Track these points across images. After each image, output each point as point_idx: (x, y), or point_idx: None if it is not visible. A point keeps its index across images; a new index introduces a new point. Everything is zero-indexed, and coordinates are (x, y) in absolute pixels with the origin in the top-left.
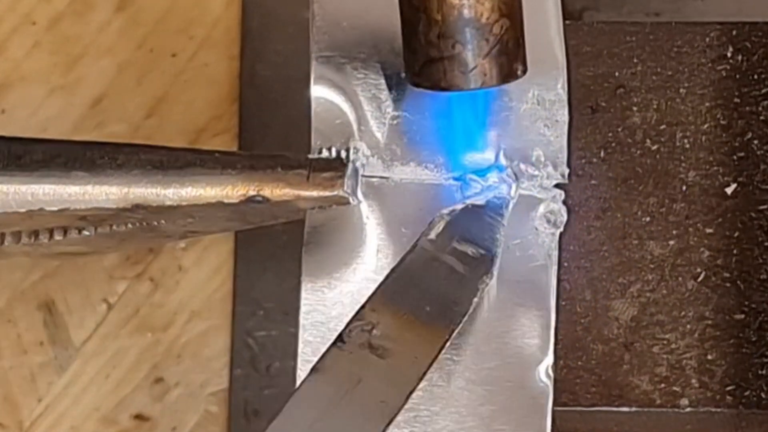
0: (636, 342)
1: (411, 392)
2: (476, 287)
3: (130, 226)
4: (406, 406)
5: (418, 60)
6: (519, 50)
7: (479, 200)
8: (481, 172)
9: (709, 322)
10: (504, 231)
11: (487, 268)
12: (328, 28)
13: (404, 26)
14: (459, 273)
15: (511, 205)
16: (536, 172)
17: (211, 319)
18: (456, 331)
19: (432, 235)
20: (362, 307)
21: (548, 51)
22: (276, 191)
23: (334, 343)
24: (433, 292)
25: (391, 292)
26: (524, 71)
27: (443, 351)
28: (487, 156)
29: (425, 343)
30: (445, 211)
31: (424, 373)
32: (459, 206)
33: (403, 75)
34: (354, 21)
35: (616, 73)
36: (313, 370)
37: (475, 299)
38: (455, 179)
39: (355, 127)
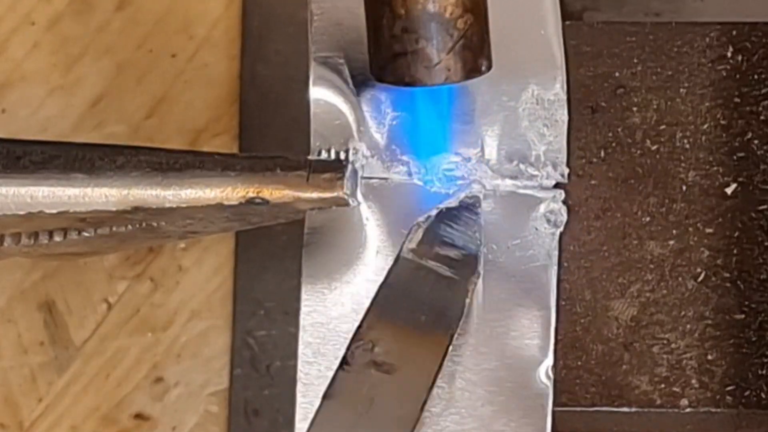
0: (636, 342)
1: (424, 403)
2: (466, 288)
3: (129, 227)
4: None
5: (383, 55)
6: (483, 46)
7: (452, 202)
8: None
9: (709, 322)
10: (482, 228)
11: (473, 268)
12: (326, 28)
13: (369, 20)
14: (446, 277)
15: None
16: (536, 172)
17: (211, 318)
18: (455, 335)
19: (412, 245)
20: (359, 327)
21: (547, 50)
22: (275, 193)
23: (339, 367)
24: (424, 300)
25: (384, 308)
26: (489, 67)
27: (447, 356)
28: (487, 155)
29: (428, 353)
30: (421, 219)
31: (434, 382)
32: (433, 212)
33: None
34: (352, 21)
35: (616, 73)
36: (325, 396)
37: (467, 300)
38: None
39: (354, 128)
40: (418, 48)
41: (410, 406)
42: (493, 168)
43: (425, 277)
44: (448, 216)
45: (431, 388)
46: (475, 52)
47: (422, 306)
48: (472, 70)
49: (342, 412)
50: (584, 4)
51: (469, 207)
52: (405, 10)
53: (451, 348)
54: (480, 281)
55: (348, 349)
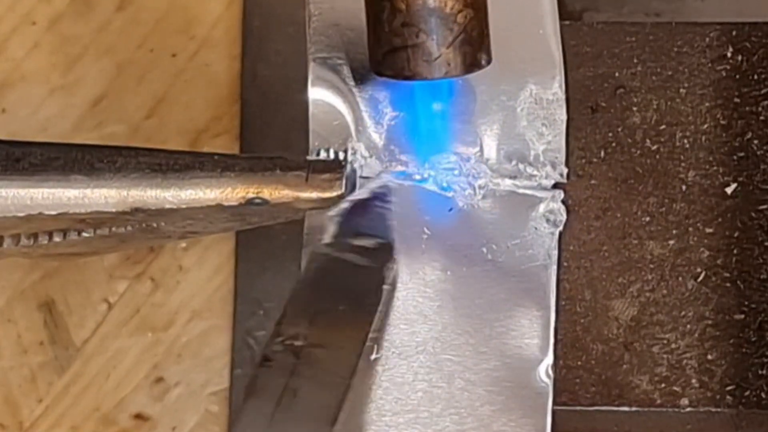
0: (636, 342)
1: (347, 389)
2: (382, 275)
3: (129, 228)
4: (405, 408)
5: (382, 48)
6: (483, 40)
7: (363, 193)
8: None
9: (709, 322)
10: (394, 217)
11: (389, 255)
12: (324, 29)
13: (369, 14)
14: (362, 266)
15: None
16: (535, 172)
17: (211, 318)
18: (375, 320)
19: (326, 239)
20: (278, 323)
21: (545, 50)
22: (275, 193)
23: (260, 365)
24: (342, 290)
25: (303, 303)
26: (488, 61)
27: (366, 341)
28: (486, 155)
29: (347, 340)
30: (332, 213)
31: (356, 367)
32: (344, 205)
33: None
34: (350, 22)
35: (616, 73)
36: (247, 394)
37: (385, 286)
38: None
39: (352, 128)
40: (418, 42)
41: (334, 394)
42: (492, 168)
43: (341, 268)
44: (360, 207)
45: (353, 374)
46: (474, 47)
47: (339, 296)
48: (471, 65)
49: (265, 407)
50: (584, 4)
51: (380, 197)
52: (405, 5)
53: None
54: (480, 281)
55: (268, 345)
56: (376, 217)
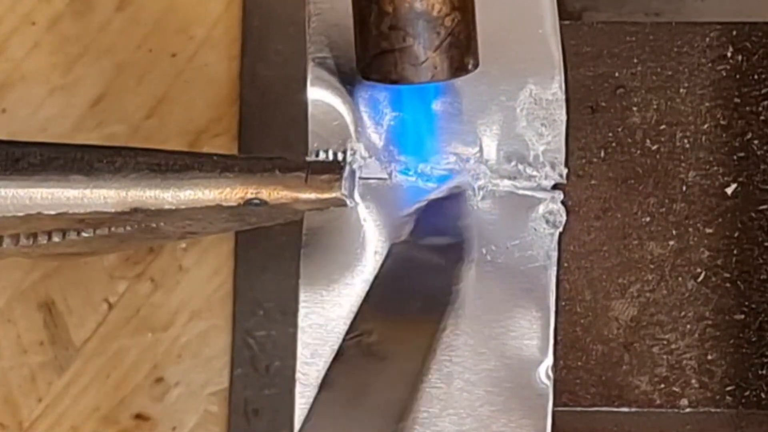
0: (636, 342)
1: (417, 386)
2: (457, 274)
3: (128, 228)
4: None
5: (369, 52)
6: (470, 44)
7: (441, 193)
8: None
9: (709, 322)
10: (471, 217)
11: (464, 254)
12: (324, 29)
13: (356, 17)
14: (437, 264)
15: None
16: (534, 173)
17: (211, 319)
18: (447, 319)
19: (403, 237)
20: (354, 320)
21: (545, 50)
22: (274, 194)
23: (334, 359)
24: (417, 289)
25: (377, 300)
26: (475, 65)
27: (439, 340)
28: (486, 155)
29: (420, 338)
30: (410, 211)
31: (426, 366)
32: (422, 204)
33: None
34: (350, 22)
35: (616, 73)
36: (321, 387)
37: (457, 286)
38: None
39: (352, 128)
40: (405, 46)
41: (404, 389)
42: (492, 168)
43: (416, 267)
44: (436, 207)
45: (422, 371)
46: (462, 50)
47: (413, 295)
48: (458, 69)
49: (338, 400)
50: (584, 4)
51: (456, 197)
52: (392, 8)
53: (445, 337)
54: (479, 281)
55: (343, 341)
56: (451, 216)
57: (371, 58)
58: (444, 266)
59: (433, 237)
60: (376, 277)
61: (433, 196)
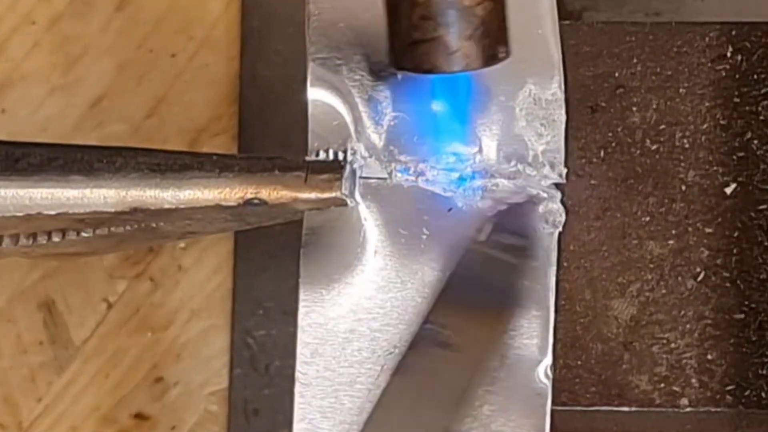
0: (635, 341)
1: (479, 375)
2: (523, 271)
3: (128, 228)
4: None
5: (401, 42)
6: (502, 33)
7: (521, 198)
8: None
9: (709, 322)
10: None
11: (530, 253)
12: (323, 29)
13: (388, 8)
14: (510, 263)
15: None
16: (534, 172)
17: (210, 318)
18: (515, 318)
19: (482, 237)
20: (430, 311)
21: (544, 49)
22: (273, 194)
23: (410, 347)
24: (490, 285)
25: (453, 294)
26: (507, 54)
27: (507, 333)
28: (485, 155)
29: (490, 330)
30: (491, 214)
31: (490, 356)
32: (503, 207)
33: (400, 76)
34: (350, 21)
35: (616, 73)
36: (395, 372)
37: (523, 282)
38: (454, 180)
39: (352, 128)
40: (437, 35)
41: (467, 379)
42: (491, 168)
43: (492, 265)
44: (514, 210)
45: (486, 360)
46: (493, 39)
47: (488, 290)
48: (491, 57)
49: (410, 385)
50: (584, 4)
51: (533, 201)
52: None
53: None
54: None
55: (419, 332)
56: (526, 219)
57: (403, 48)
58: (517, 264)
59: (510, 237)
60: (453, 273)
61: (513, 200)
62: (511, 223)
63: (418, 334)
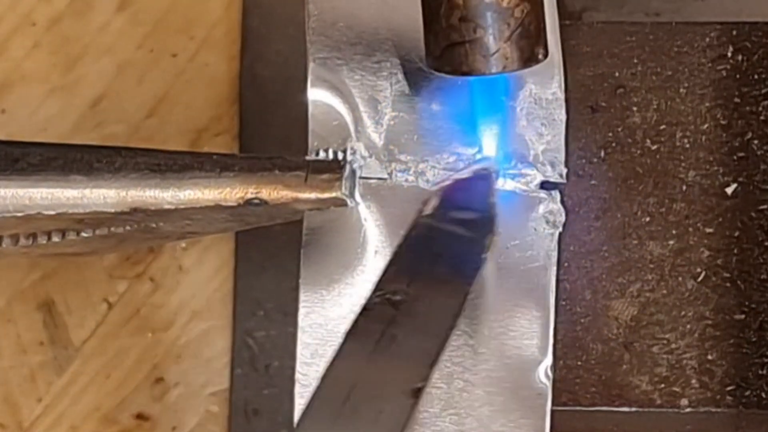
0: (636, 342)
1: (446, 339)
2: (483, 244)
3: (128, 228)
4: None
5: (439, 44)
6: (540, 34)
7: (464, 173)
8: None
9: (709, 322)
10: (497, 199)
11: (489, 227)
12: (323, 29)
13: (425, 10)
14: (463, 236)
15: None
16: (534, 172)
17: (211, 319)
18: (475, 282)
19: (428, 211)
20: (378, 281)
21: None
22: (274, 193)
23: (359, 314)
24: (442, 255)
25: (402, 264)
26: (545, 55)
27: (465, 303)
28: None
29: (446, 297)
30: (435, 188)
31: (453, 325)
32: (447, 182)
33: (400, 77)
34: (350, 21)
35: (616, 73)
36: (347, 336)
37: (484, 255)
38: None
39: (352, 128)
40: (476, 37)
41: (432, 340)
42: (491, 168)
43: (442, 237)
44: (462, 184)
45: (452, 328)
46: (532, 41)
47: (439, 260)
48: (529, 59)
49: (362, 348)
50: (584, 4)
51: (485, 177)
52: (463, 0)
53: (468, 300)
54: (479, 281)
55: (369, 299)
56: (476, 193)
57: (441, 50)
58: (471, 237)
59: (460, 212)
60: (400, 245)
61: (457, 175)
62: (460, 198)
63: (367, 303)
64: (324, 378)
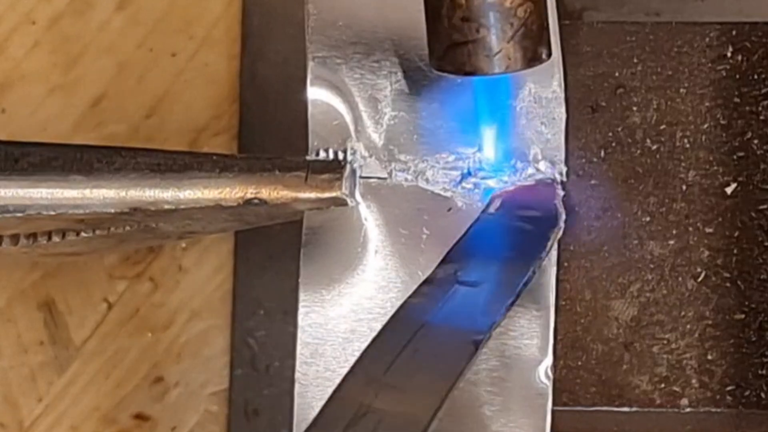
0: (636, 342)
1: (500, 320)
2: (547, 236)
3: (128, 228)
4: None
5: (442, 44)
6: (543, 34)
7: (529, 181)
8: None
9: (709, 322)
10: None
11: (554, 222)
12: (323, 28)
13: (428, 10)
14: (526, 230)
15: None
16: (534, 171)
17: (211, 318)
18: (537, 266)
19: (491, 210)
20: (442, 261)
21: None
22: (274, 193)
23: (423, 283)
24: (505, 244)
25: (465, 248)
26: (549, 55)
27: (527, 285)
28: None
29: (509, 275)
30: (498, 193)
31: (512, 303)
32: (510, 187)
33: (399, 75)
34: (349, 20)
35: (616, 73)
36: (407, 301)
37: (548, 243)
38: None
39: (352, 128)
40: (479, 37)
41: (486, 320)
42: (491, 167)
43: (505, 230)
44: (525, 189)
45: (509, 307)
46: (534, 40)
47: (504, 247)
48: (532, 59)
49: (420, 313)
50: (584, 4)
51: (548, 184)
52: (465, 0)
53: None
54: None
55: (432, 273)
56: (541, 197)
57: (444, 50)
58: (534, 231)
59: (524, 210)
60: (463, 236)
61: (520, 183)
62: (524, 199)
63: (431, 276)
64: (380, 333)
